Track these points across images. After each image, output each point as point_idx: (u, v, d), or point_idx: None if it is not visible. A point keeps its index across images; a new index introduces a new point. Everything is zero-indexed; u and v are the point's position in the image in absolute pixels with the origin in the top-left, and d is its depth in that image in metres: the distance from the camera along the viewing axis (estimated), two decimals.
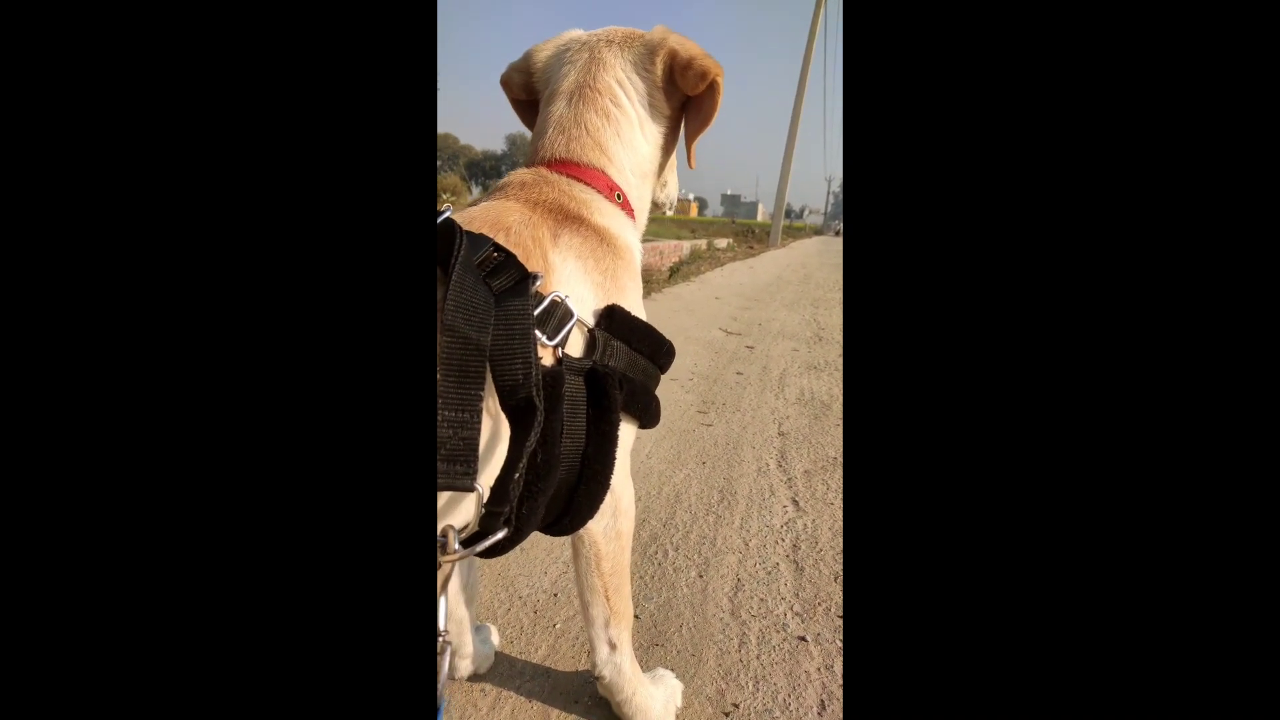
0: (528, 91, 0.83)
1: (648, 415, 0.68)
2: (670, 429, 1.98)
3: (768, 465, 1.74)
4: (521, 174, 0.71)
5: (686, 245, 8.23)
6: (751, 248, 13.44)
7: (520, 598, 1.10)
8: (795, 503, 1.52)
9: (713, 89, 0.75)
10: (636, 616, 1.06)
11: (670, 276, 5.90)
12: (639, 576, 1.18)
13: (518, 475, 0.48)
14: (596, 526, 0.69)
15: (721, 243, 11.44)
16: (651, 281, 5.32)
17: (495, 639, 0.94)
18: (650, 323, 0.67)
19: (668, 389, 2.39)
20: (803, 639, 1.03)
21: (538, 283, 0.55)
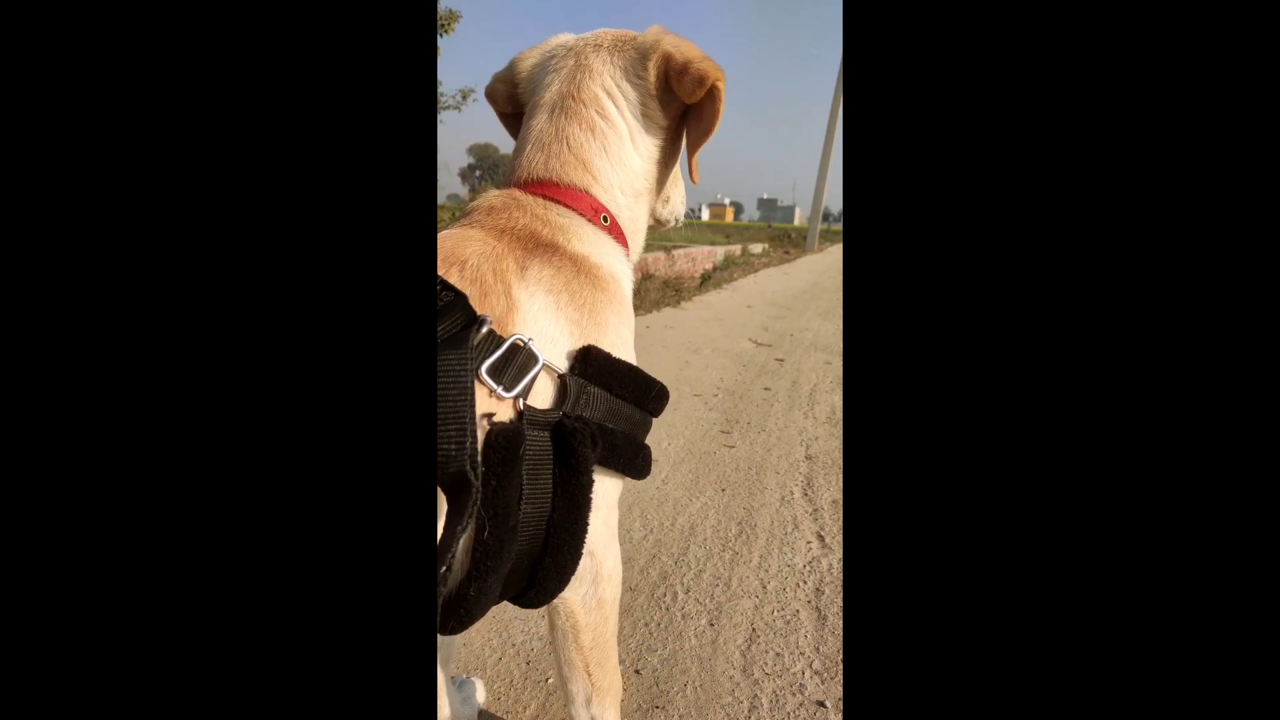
0: (513, 104, 0.75)
1: (634, 468, 0.60)
2: (690, 450, 1.88)
3: (792, 493, 1.63)
4: (491, 197, 0.63)
5: (720, 251, 8.12)
6: (787, 253, 13.20)
7: (514, 644, 1.02)
8: (820, 538, 1.40)
9: (713, 95, 0.66)
10: (637, 672, 0.97)
11: (702, 284, 5.79)
12: (644, 624, 1.09)
13: (444, 568, 0.40)
14: (573, 595, 0.60)
15: (756, 248, 11.26)
16: (683, 290, 5.22)
17: (480, 695, 0.87)
18: (636, 364, 0.59)
19: (690, 405, 2.30)
20: (821, 704, 0.92)
21: (486, 327, 0.47)
